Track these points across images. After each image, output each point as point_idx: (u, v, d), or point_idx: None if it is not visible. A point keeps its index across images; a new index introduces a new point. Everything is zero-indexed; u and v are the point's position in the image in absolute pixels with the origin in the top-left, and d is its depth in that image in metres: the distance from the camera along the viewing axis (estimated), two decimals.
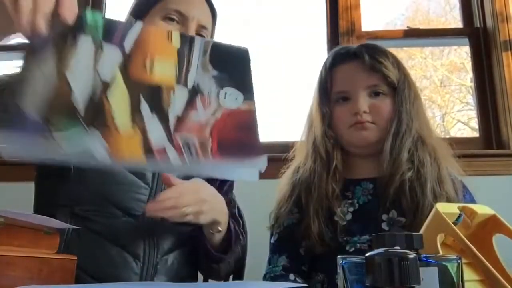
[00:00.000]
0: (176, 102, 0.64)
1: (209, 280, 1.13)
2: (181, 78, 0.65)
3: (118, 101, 0.60)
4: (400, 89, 1.07)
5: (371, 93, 1.07)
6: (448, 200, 1.00)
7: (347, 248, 1.01)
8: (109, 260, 0.89)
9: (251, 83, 0.69)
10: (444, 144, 1.10)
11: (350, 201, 1.06)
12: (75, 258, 0.71)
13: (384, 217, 1.02)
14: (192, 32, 0.99)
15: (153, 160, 0.60)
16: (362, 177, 1.09)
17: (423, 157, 1.03)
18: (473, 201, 1.07)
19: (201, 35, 1.01)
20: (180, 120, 0.63)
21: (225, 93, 0.66)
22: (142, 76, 0.63)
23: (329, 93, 1.10)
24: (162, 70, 0.64)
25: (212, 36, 1.09)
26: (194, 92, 0.65)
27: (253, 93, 0.68)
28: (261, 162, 0.65)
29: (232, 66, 0.68)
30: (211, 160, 0.63)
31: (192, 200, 0.84)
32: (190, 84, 0.65)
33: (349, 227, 1.03)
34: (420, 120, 1.07)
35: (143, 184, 0.93)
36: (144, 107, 0.62)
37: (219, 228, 0.92)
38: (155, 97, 0.63)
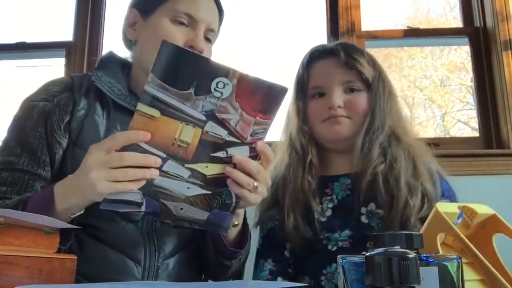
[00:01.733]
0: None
1: (209, 280, 1.13)
2: None
3: None
4: (374, 86, 1.09)
5: (346, 89, 1.08)
6: (425, 193, 1.01)
7: (329, 247, 1.02)
8: (110, 265, 0.88)
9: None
10: (421, 143, 1.11)
11: (329, 197, 1.07)
12: (75, 257, 0.71)
13: (363, 210, 1.03)
14: (201, 36, 0.97)
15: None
16: (339, 173, 1.10)
17: (397, 153, 1.04)
18: (450, 190, 1.08)
19: (208, 39, 1.00)
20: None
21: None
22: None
23: (305, 88, 1.12)
24: None
25: (217, 36, 1.07)
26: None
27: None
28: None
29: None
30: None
31: (264, 180, 0.80)
32: None
33: (329, 223, 1.04)
34: (394, 117, 1.09)
35: None
36: None
37: (238, 221, 0.91)
38: None
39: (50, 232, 0.70)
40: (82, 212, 0.79)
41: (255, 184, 0.78)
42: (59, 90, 0.96)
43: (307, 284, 1.03)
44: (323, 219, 1.05)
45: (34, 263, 0.64)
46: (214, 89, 0.70)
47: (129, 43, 1.06)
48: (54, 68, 2.20)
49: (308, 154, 1.09)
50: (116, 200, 0.74)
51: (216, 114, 0.72)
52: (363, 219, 1.03)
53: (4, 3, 2.35)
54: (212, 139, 0.74)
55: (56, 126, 0.92)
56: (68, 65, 2.06)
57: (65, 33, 2.12)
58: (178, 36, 0.95)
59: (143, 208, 0.76)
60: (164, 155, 0.73)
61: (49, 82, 1.00)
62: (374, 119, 1.06)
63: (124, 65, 1.05)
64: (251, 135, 0.76)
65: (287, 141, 1.13)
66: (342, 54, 1.09)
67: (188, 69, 0.69)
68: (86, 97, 0.96)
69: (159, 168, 0.73)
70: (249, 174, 0.77)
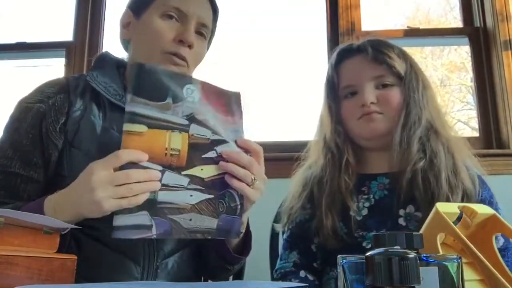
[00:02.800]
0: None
1: (208, 279, 1.13)
2: None
3: None
4: (407, 79, 1.06)
5: (378, 85, 1.06)
6: (465, 191, 0.98)
7: (363, 244, 1.00)
8: (109, 265, 0.88)
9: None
10: (459, 136, 1.09)
11: (366, 196, 1.05)
12: (75, 257, 0.71)
13: (401, 212, 1.01)
14: (191, 30, 0.96)
15: None
16: (377, 172, 1.08)
17: (436, 147, 1.01)
18: (492, 197, 1.04)
19: (201, 33, 1.00)
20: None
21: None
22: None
23: (336, 89, 1.11)
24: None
25: (212, 33, 1.07)
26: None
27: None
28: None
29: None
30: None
31: (259, 173, 0.82)
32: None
33: (365, 222, 1.02)
34: (431, 110, 1.06)
35: None
36: None
37: (242, 229, 0.90)
38: None
39: (50, 232, 0.70)
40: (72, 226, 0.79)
41: (252, 177, 0.80)
42: (54, 92, 0.95)
43: (307, 284, 1.03)
44: (358, 218, 1.02)
45: (34, 263, 0.64)
46: (186, 94, 0.78)
47: (125, 43, 1.06)
48: (54, 68, 2.21)
49: (344, 154, 1.07)
50: (126, 226, 0.74)
51: (195, 116, 0.78)
52: (401, 221, 1.00)
53: (4, 3, 2.35)
54: (199, 140, 0.78)
55: (52, 128, 0.91)
56: (68, 65, 2.06)
57: (65, 33, 2.12)
58: (167, 31, 0.95)
59: (154, 231, 0.76)
60: (161, 168, 0.75)
61: (44, 83, 0.99)
62: (409, 113, 1.03)
63: (119, 65, 1.05)
64: (232, 133, 0.82)
65: (322, 143, 1.11)
66: (370, 50, 1.07)
67: (160, 82, 0.76)
68: (82, 98, 0.95)
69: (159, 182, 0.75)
70: (242, 167, 0.79)
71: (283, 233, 1.15)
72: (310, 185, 1.10)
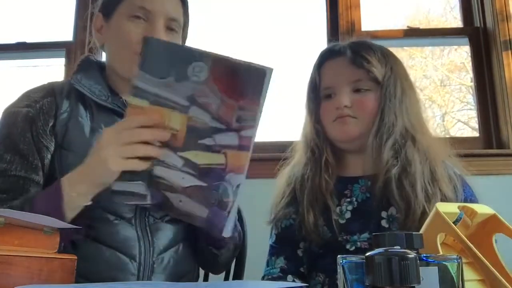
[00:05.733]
0: None
1: (209, 279, 1.13)
2: None
3: None
4: (384, 85, 1.05)
5: (355, 89, 1.06)
6: (444, 199, 0.97)
7: (347, 247, 1.00)
8: (105, 262, 0.88)
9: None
10: (441, 143, 1.08)
11: (349, 199, 1.05)
12: (75, 257, 0.71)
13: (384, 214, 1.01)
14: (160, 28, 0.96)
15: None
16: (358, 174, 1.08)
17: (411, 156, 1.00)
18: (472, 196, 1.04)
19: (171, 29, 0.99)
20: None
21: None
22: None
23: (318, 90, 1.11)
24: None
25: (185, 25, 1.05)
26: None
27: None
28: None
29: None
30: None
31: None
32: None
33: (348, 225, 1.02)
34: (410, 116, 1.05)
35: None
36: None
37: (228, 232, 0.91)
38: None
39: (50, 232, 0.70)
40: (90, 203, 0.80)
41: None
42: (41, 96, 0.96)
43: (307, 284, 1.03)
44: (342, 221, 1.03)
45: (34, 263, 0.64)
46: (191, 73, 0.73)
47: (101, 47, 1.06)
48: (54, 68, 2.21)
49: (323, 153, 1.08)
50: (123, 192, 0.79)
51: (196, 98, 0.75)
52: (384, 223, 1.00)
53: (4, 3, 2.35)
54: (198, 124, 0.76)
55: (42, 131, 0.92)
56: (68, 65, 2.06)
57: (65, 33, 2.12)
58: (134, 32, 0.95)
59: (148, 200, 0.80)
60: (159, 144, 0.77)
61: (30, 89, 0.99)
62: (383, 120, 1.02)
63: (102, 67, 1.05)
64: (237, 121, 0.75)
65: (304, 142, 1.13)
66: (349, 53, 1.07)
67: (165, 57, 0.73)
68: (68, 100, 0.96)
69: (156, 158, 0.77)
70: None
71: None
72: (293, 184, 1.10)
